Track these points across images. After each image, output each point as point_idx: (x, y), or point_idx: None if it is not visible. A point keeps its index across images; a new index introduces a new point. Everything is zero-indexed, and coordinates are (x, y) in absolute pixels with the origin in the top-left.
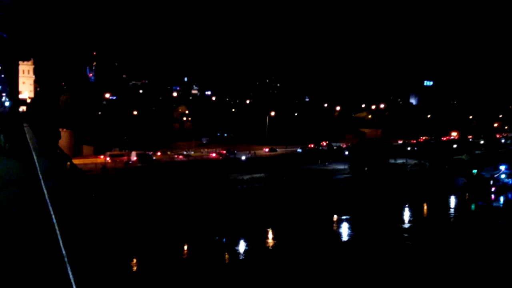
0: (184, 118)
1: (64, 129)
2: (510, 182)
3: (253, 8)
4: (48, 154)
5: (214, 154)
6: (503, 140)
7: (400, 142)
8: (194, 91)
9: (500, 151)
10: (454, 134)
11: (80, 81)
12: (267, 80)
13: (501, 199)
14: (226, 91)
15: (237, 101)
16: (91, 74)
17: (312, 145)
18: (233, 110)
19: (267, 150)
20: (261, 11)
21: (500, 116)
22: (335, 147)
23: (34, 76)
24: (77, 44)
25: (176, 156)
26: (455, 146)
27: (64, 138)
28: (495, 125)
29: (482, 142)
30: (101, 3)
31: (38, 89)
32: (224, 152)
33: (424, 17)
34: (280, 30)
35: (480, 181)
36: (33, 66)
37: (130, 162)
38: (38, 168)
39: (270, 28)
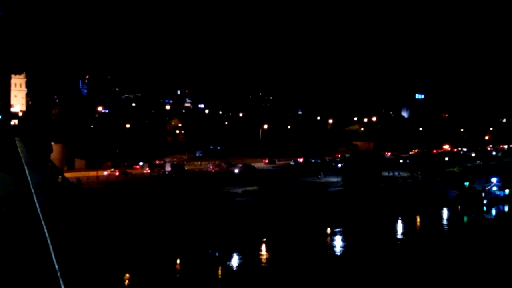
0: (177, 131)
1: (55, 143)
2: (502, 194)
3: (246, 21)
4: (40, 168)
5: (240, 165)
6: (494, 153)
7: (392, 154)
8: (187, 104)
9: (491, 163)
10: (445, 146)
11: (72, 95)
12: (260, 93)
13: (493, 211)
14: (219, 104)
15: (230, 114)
16: (83, 88)
17: (333, 156)
18: (226, 123)
19: (302, 159)
20: (255, 24)
21: (491, 129)
22: None
23: (26, 90)
24: (69, 58)
25: (209, 167)
26: (447, 158)
27: (56, 152)
28: (486, 138)
29: (473, 154)
30: (94, 17)
31: (30, 102)
32: (267, 161)
33: (416, 31)
34: (273, 44)
35: (472, 193)
36: (25, 80)
37: (166, 173)
38: (30, 182)
39: (263, 41)
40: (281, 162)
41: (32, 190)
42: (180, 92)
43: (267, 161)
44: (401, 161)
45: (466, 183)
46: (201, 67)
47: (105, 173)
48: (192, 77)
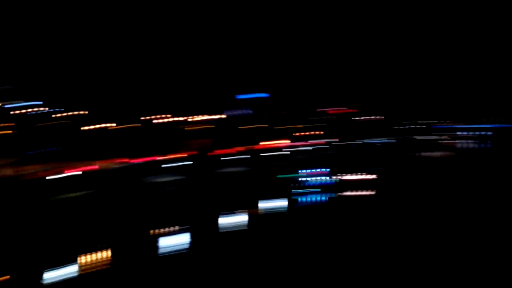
0: (3, 132)
1: None
2: (329, 182)
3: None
4: None
5: (76, 168)
6: (326, 146)
7: (231, 151)
8: (17, 104)
9: (318, 154)
10: (284, 141)
11: None
12: (105, 92)
13: (307, 199)
14: (61, 102)
15: (72, 113)
16: None
17: (175, 155)
18: (63, 122)
19: (145, 159)
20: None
21: (324, 125)
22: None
23: None
24: None
25: (38, 172)
26: (280, 153)
27: None
28: (318, 133)
29: (310, 148)
30: None
31: None
32: (114, 161)
33: (254, 32)
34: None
35: (290, 184)
36: None
37: None
38: None
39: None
40: (134, 162)
41: None
42: (10, 89)
43: (114, 161)
44: (240, 157)
45: (286, 175)
46: (33, 60)
47: None
48: (24, 71)
